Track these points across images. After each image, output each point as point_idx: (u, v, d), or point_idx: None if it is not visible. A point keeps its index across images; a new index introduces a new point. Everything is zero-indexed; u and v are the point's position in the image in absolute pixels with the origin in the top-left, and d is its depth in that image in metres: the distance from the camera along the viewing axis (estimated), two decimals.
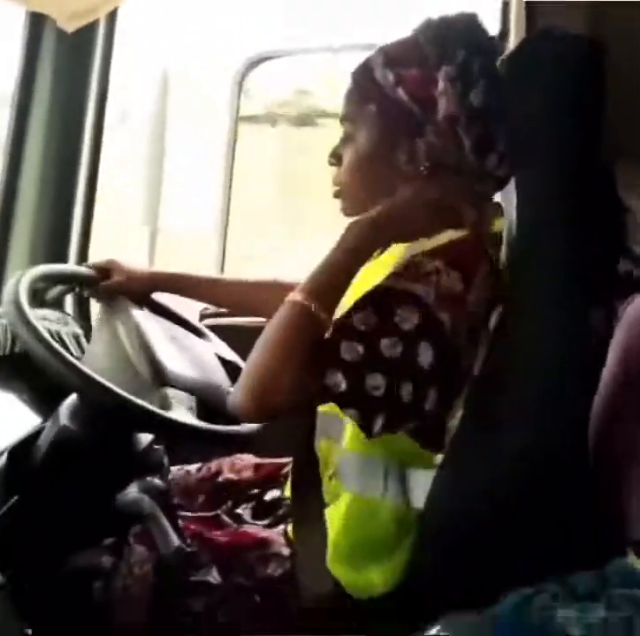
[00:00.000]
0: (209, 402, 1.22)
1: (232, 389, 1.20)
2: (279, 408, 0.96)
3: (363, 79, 1.08)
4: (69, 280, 1.44)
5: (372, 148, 1.09)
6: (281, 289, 1.30)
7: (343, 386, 0.93)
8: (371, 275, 1.03)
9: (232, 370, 1.34)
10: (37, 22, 1.60)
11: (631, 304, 1.10)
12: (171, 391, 1.18)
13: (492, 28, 1.57)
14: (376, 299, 0.97)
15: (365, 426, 0.96)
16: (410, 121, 1.05)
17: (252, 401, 0.97)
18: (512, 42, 1.26)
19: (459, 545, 1.04)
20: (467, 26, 1.06)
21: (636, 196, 1.16)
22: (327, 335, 0.96)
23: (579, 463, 1.04)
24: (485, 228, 1.05)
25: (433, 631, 0.87)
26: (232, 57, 1.86)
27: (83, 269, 1.43)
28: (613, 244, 1.09)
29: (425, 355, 0.95)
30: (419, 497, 1.06)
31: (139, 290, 1.39)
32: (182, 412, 1.15)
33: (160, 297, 1.44)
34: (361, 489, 1.08)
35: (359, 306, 0.97)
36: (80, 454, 1.19)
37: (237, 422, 1.19)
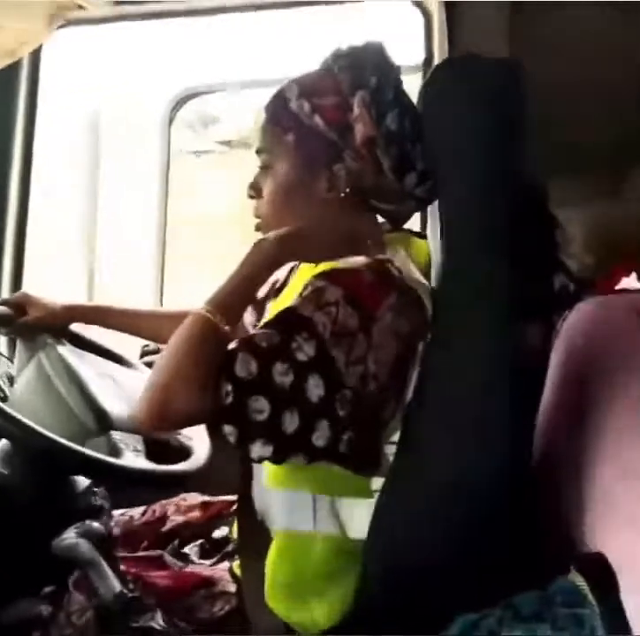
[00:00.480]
0: (155, 439, 1.21)
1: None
2: (179, 419, 0.95)
3: (279, 110, 1.09)
4: None
5: (292, 178, 1.09)
6: None
7: (229, 400, 0.91)
8: (298, 282, 1.05)
9: None
10: None
11: (568, 317, 1.12)
12: (116, 435, 1.16)
13: (417, 55, 1.62)
14: (283, 319, 0.96)
15: (241, 447, 0.93)
16: (329, 148, 1.06)
17: (152, 412, 0.93)
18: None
19: (404, 573, 1.03)
20: (377, 54, 1.08)
21: (569, 211, 1.19)
22: (229, 346, 0.94)
23: (517, 482, 1.05)
24: (393, 258, 1.05)
25: None
26: (160, 95, 1.85)
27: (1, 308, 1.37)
28: (546, 259, 1.11)
29: (315, 389, 0.93)
30: (355, 527, 1.04)
31: (58, 323, 1.36)
32: (133, 457, 1.13)
33: (79, 328, 1.42)
34: (291, 525, 1.06)
35: (270, 323, 0.96)
36: (13, 499, 1.16)
37: (185, 454, 1.18)
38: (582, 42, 1.50)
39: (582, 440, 1.03)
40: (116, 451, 1.14)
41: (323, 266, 1.03)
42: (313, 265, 1.08)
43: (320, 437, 0.93)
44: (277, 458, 0.94)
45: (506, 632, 0.93)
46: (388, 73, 1.08)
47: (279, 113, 1.09)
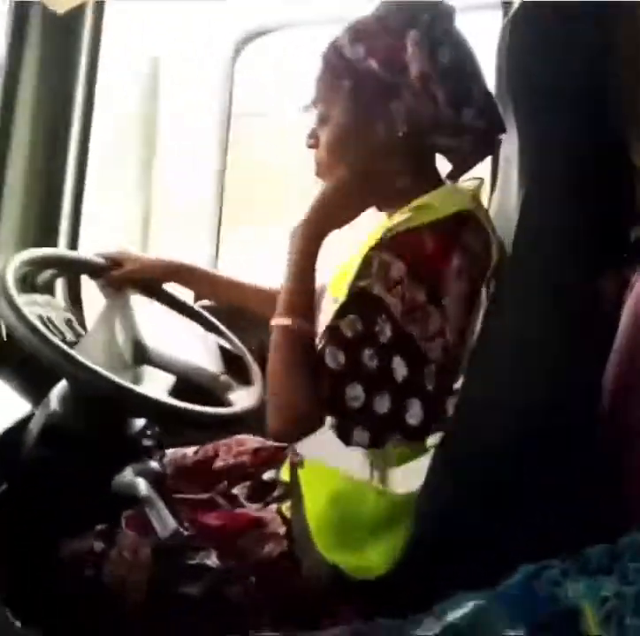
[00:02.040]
0: (190, 382, 1.20)
1: (222, 376, 1.26)
2: (307, 426, 1.02)
3: (334, 57, 1.09)
4: (80, 268, 1.43)
5: (350, 122, 1.10)
6: None
7: (325, 393, 0.97)
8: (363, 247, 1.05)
9: (232, 358, 1.35)
10: (23, 5, 1.58)
11: None
12: (148, 369, 1.16)
13: None
14: (361, 303, 0.99)
15: (342, 437, 0.97)
16: (384, 89, 1.06)
17: (281, 428, 1.04)
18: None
19: (464, 522, 1.02)
20: None
21: None
22: (318, 342, 1.00)
23: (589, 431, 1.02)
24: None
25: (446, 611, 0.85)
26: (223, 37, 1.83)
27: (94, 258, 1.39)
28: (624, 210, 1.07)
29: (400, 368, 0.97)
30: (407, 482, 1.05)
31: (150, 277, 1.37)
32: (150, 387, 1.12)
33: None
34: (347, 469, 1.07)
35: (348, 307, 0.99)
36: (71, 439, 1.17)
37: (222, 405, 1.18)
38: None
39: None
40: (136, 381, 1.13)
41: (385, 227, 1.03)
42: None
43: (413, 416, 0.97)
44: (375, 443, 0.98)
45: (570, 584, 0.89)
46: (439, 11, 1.08)
47: (334, 61, 1.09)
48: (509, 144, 1.12)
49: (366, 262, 1.00)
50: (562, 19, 1.04)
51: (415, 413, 0.97)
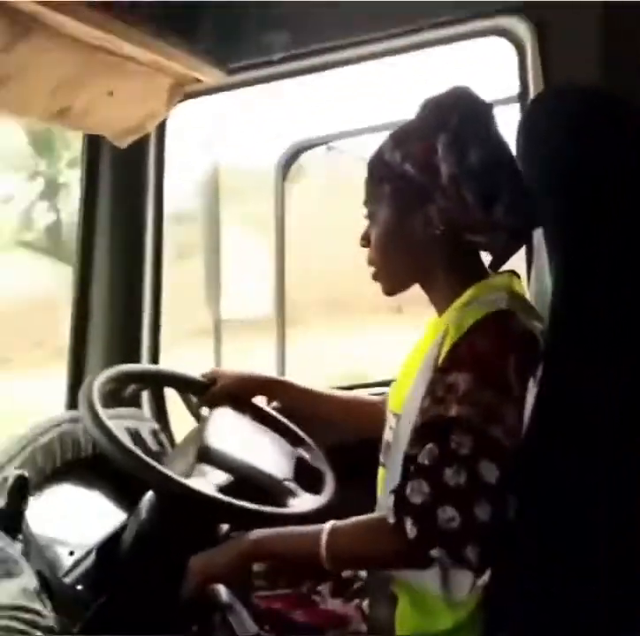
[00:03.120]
0: (249, 482, 1.22)
1: (286, 482, 1.26)
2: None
3: (377, 163, 1.18)
4: (182, 386, 1.49)
5: (391, 224, 1.17)
6: (372, 406, 1.43)
7: (414, 534, 0.98)
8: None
9: (311, 472, 1.37)
10: (94, 142, 1.73)
11: None
12: (205, 467, 1.19)
13: (512, 88, 1.63)
14: (433, 429, 1.02)
15: (457, 559, 0.98)
16: (420, 191, 1.13)
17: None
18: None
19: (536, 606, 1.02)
20: (459, 96, 1.15)
21: None
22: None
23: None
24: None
25: None
26: (276, 148, 1.92)
27: (195, 377, 1.48)
28: None
29: (488, 473, 0.98)
30: (461, 587, 1.08)
31: (242, 392, 1.44)
32: (198, 480, 1.15)
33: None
34: (410, 580, 1.11)
35: (420, 437, 1.03)
36: (161, 546, 1.23)
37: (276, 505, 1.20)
38: None
39: None
40: (187, 475, 1.17)
41: (437, 335, 1.10)
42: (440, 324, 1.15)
43: (510, 513, 0.99)
44: (485, 556, 0.98)
45: None
46: (469, 111, 1.13)
47: (377, 166, 1.18)
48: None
49: (433, 386, 1.05)
50: (569, 113, 1.08)
51: (512, 508, 0.99)
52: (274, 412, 1.49)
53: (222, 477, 1.20)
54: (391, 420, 1.19)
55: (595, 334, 1.06)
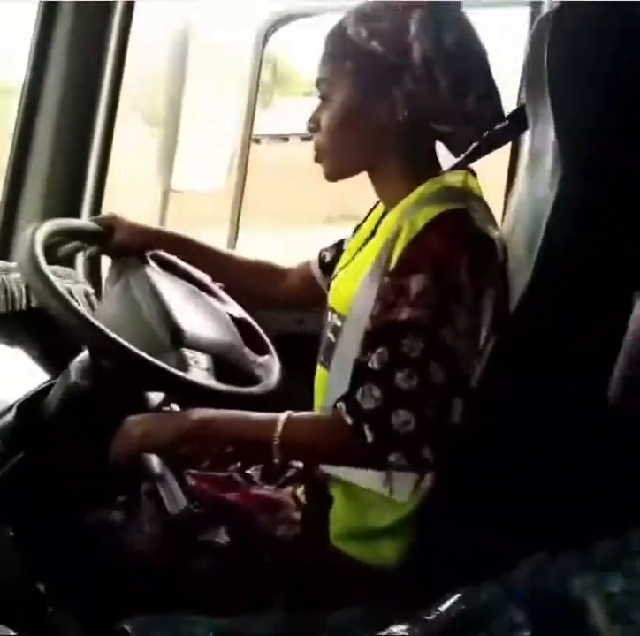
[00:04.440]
0: (225, 362, 1.20)
1: (246, 350, 1.24)
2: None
3: (337, 39, 1.08)
4: (76, 235, 1.39)
5: (350, 106, 1.08)
6: (281, 274, 1.40)
7: (370, 439, 0.96)
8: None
9: (244, 328, 1.34)
10: None
11: None
12: (188, 352, 1.16)
13: None
14: (384, 334, 0.99)
15: (413, 462, 0.98)
16: (387, 71, 1.05)
17: None
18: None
19: (467, 522, 1.03)
20: None
21: None
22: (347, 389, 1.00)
23: (598, 431, 1.02)
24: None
25: (450, 603, 0.86)
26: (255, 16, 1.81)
27: (89, 224, 1.37)
28: None
29: (437, 374, 0.97)
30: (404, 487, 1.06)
31: (142, 246, 1.34)
32: (200, 373, 1.13)
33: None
34: (347, 475, 1.08)
35: (372, 341, 0.99)
36: (89, 411, 1.18)
37: (253, 382, 1.18)
38: None
39: None
40: (184, 367, 1.14)
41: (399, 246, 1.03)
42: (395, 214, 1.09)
43: (456, 415, 0.98)
44: (439, 454, 0.97)
45: (576, 578, 0.91)
46: None
47: (337, 42, 1.08)
48: (539, 136, 1.11)
49: (384, 290, 1.00)
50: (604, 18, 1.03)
51: (457, 412, 0.98)
52: (181, 263, 1.41)
53: (206, 362, 1.17)
54: (333, 319, 1.13)
55: (590, 259, 1.03)
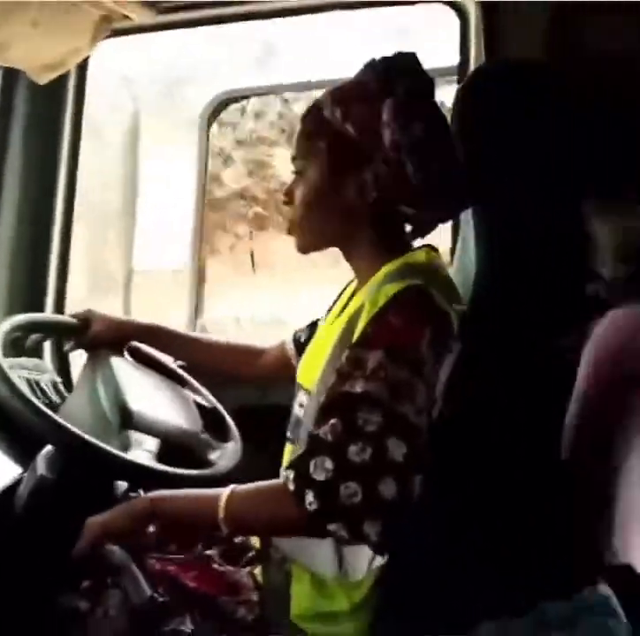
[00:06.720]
0: (177, 445, 1.24)
1: (203, 435, 1.29)
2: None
3: (313, 118, 1.14)
4: (51, 330, 1.46)
5: (322, 182, 1.13)
6: (255, 354, 1.44)
7: (314, 507, 0.96)
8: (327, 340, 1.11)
9: (212, 416, 1.38)
10: (10, 76, 1.64)
11: (598, 323, 1.12)
12: (136, 435, 1.19)
13: (453, 58, 1.61)
14: (338, 405, 1.00)
15: (355, 535, 0.97)
16: (358, 153, 1.10)
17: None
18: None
19: (425, 585, 1.05)
20: (407, 63, 1.12)
21: (601, 221, 1.18)
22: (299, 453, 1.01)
23: (544, 489, 1.04)
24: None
25: None
26: (200, 98, 1.86)
27: (65, 319, 1.44)
28: (578, 268, 1.11)
29: (397, 449, 0.96)
30: (357, 568, 1.08)
31: (116, 339, 1.40)
32: (141, 454, 1.15)
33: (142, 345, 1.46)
34: (300, 560, 1.11)
35: (326, 412, 1.00)
36: (57, 503, 1.20)
37: (205, 466, 1.22)
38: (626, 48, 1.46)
39: (610, 454, 1.03)
40: (125, 448, 1.17)
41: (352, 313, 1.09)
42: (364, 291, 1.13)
43: (415, 491, 0.97)
44: (387, 531, 0.96)
45: None
46: (418, 82, 1.10)
47: (313, 121, 1.14)
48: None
49: (342, 362, 1.02)
50: (522, 87, 1.08)
51: (416, 488, 0.97)
52: (155, 353, 1.47)
53: (153, 444, 1.19)
54: (301, 396, 1.17)
55: (515, 315, 1.07)
